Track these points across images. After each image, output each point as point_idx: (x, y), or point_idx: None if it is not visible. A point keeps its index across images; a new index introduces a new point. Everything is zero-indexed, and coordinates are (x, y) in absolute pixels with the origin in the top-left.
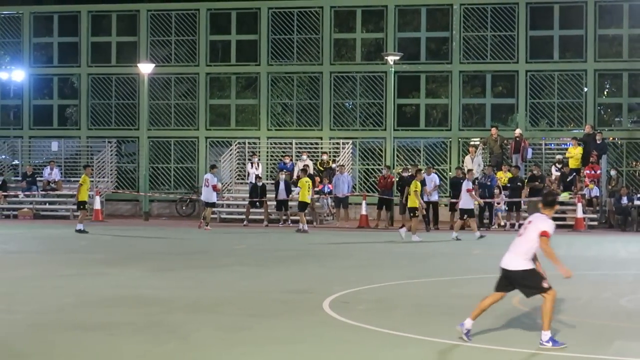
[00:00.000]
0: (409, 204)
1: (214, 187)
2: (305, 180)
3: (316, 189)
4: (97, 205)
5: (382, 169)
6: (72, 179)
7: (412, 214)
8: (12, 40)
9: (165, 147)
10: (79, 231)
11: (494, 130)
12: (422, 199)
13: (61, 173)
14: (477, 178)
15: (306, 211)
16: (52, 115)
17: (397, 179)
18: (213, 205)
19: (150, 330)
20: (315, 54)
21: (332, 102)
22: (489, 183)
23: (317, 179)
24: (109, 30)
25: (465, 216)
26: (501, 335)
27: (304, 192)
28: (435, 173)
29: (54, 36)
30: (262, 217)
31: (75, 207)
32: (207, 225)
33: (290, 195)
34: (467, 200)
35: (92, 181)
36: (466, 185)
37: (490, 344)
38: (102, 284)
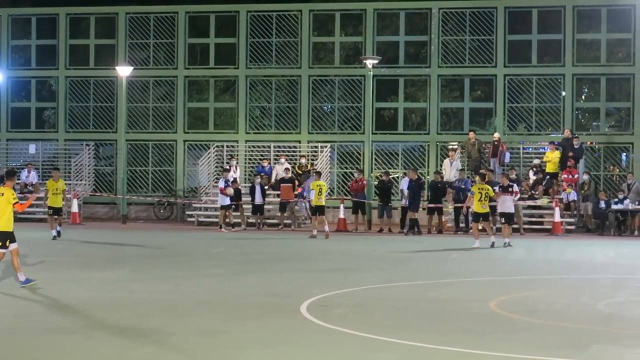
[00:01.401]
0: (477, 209)
1: (222, 191)
2: (317, 183)
3: (295, 192)
4: (75, 208)
5: (354, 172)
6: None
7: (481, 219)
8: None
9: (143, 150)
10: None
11: (471, 134)
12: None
13: (39, 176)
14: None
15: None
16: (30, 118)
17: (376, 183)
18: (227, 207)
19: (127, 334)
20: (294, 57)
21: (310, 106)
22: (463, 187)
23: (297, 182)
24: (87, 33)
25: (503, 219)
26: (477, 339)
27: (315, 195)
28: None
29: (32, 38)
30: (239, 220)
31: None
32: (220, 228)
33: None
34: (509, 204)
35: (70, 184)
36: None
37: (466, 348)
38: (78, 288)
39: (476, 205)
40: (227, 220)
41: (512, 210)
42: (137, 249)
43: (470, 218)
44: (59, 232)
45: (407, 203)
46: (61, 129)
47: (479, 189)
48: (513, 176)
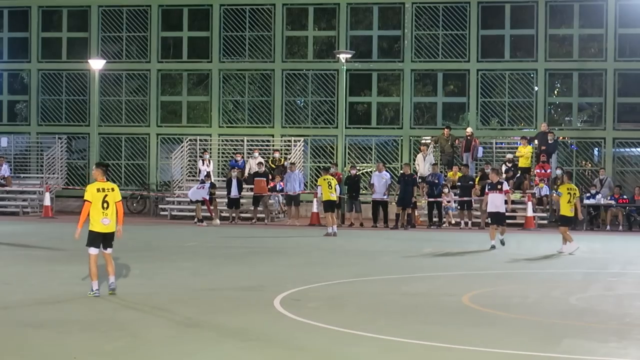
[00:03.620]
0: (564, 212)
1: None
2: (324, 178)
3: (269, 186)
4: (47, 201)
5: (330, 166)
6: (22, 175)
7: (564, 223)
8: None
9: (116, 144)
10: None
11: (446, 131)
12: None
13: (10, 169)
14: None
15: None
16: (2, 111)
17: (346, 177)
18: (201, 202)
19: (99, 328)
20: (267, 51)
21: (283, 100)
22: (436, 181)
23: (270, 176)
24: (59, 26)
25: (490, 220)
26: (450, 333)
27: (325, 190)
28: (387, 171)
29: (3, 31)
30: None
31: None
32: (201, 222)
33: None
34: (499, 203)
35: (42, 177)
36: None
37: (439, 342)
38: (51, 281)
39: (564, 208)
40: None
41: (503, 210)
42: None
43: (557, 221)
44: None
45: (397, 198)
46: (33, 122)
47: (567, 189)
48: (488, 171)
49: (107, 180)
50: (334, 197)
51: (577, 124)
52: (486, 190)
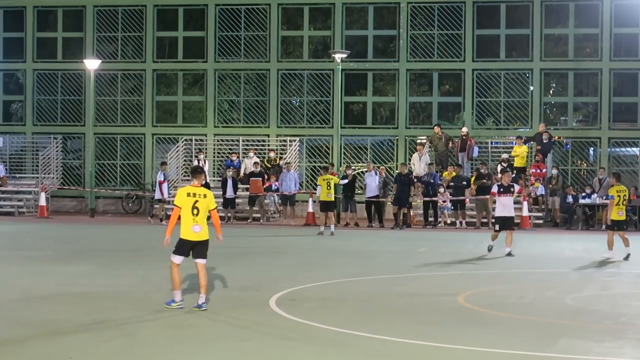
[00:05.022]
0: (614, 217)
1: (160, 184)
2: (324, 177)
3: (264, 186)
4: (43, 201)
5: (326, 166)
6: (17, 175)
7: (614, 227)
8: None
9: (111, 144)
10: None
11: (436, 128)
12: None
13: (6, 169)
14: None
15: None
16: None
17: (341, 177)
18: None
19: (96, 327)
20: (263, 51)
21: (279, 100)
22: (432, 181)
23: (266, 176)
24: (55, 26)
25: (498, 226)
26: (445, 333)
27: (323, 190)
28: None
29: None
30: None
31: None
32: (161, 221)
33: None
34: (511, 208)
35: (37, 177)
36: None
37: (434, 342)
38: (47, 281)
39: (614, 212)
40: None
41: (513, 214)
42: (105, 243)
43: (603, 226)
44: None
45: (394, 198)
46: (29, 122)
47: (617, 191)
48: (483, 171)
49: (202, 185)
50: (331, 197)
51: (572, 124)
52: (495, 192)
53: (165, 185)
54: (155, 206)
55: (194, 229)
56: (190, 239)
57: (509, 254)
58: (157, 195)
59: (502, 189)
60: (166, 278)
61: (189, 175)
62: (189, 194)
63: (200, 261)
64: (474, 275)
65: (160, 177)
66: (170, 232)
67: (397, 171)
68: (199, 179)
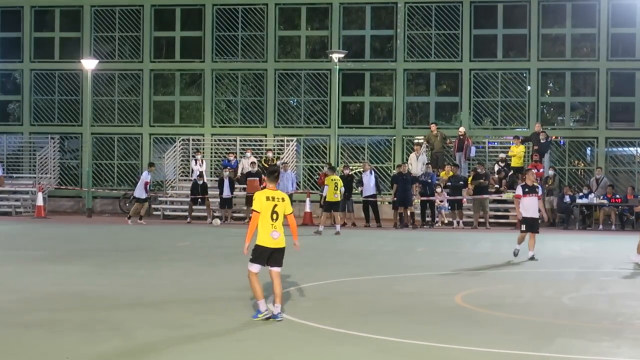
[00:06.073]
0: None
1: (146, 184)
2: (332, 178)
3: (261, 186)
4: (40, 201)
5: (323, 166)
6: (14, 175)
7: None
8: None
9: (108, 144)
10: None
11: (433, 126)
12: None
13: (3, 169)
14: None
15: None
16: None
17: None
18: (144, 200)
19: (92, 328)
20: (260, 51)
21: (276, 100)
22: (429, 181)
23: (263, 176)
24: (52, 26)
25: (524, 227)
26: (443, 333)
27: (330, 190)
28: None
29: None
30: (205, 214)
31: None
32: (128, 219)
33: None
34: (536, 209)
35: (34, 177)
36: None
37: (431, 341)
38: (44, 281)
39: None
40: (141, 213)
41: (538, 216)
42: (102, 243)
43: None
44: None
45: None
46: (26, 122)
47: None
48: (481, 170)
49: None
50: (337, 197)
51: (569, 124)
52: (520, 194)
53: (147, 187)
54: (133, 204)
55: (273, 235)
56: (269, 246)
57: (532, 258)
58: (140, 194)
59: (527, 190)
60: (163, 277)
61: (186, 176)
62: (268, 198)
63: (276, 269)
64: (471, 275)
65: (147, 177)
66: (249, 239)
67: (393, 171)
68: (274, 181)
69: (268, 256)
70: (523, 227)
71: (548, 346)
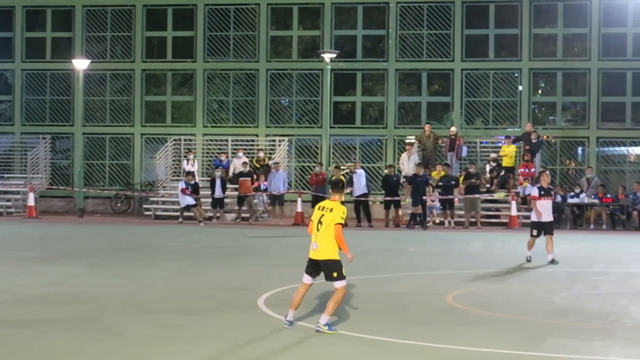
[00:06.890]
0: None
1: (183, 191)
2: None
3: (253, 186)
4: (31, 201)
5: (315, 166)
6: (5, 175)
7: None
8: None
9: (100, 144)
10: None
11: (427, 127)
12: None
13: None
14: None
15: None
16: None
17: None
18: (194, 205)
19: (84, 328)
20: (252, 51)
21: (268, 99)
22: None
23: (255, 176)
24: (43, 26)
25: (536, 232)
26: (434, 332)
27: None
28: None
29: None
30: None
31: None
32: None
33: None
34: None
35: (26, 177)
36: (530, 189)
37: (423, 341)
38: (35, 281)
39: None
40: (198, 217)
41: (552, 218)
42: (94, 243)
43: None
44: None
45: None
46: (17, 122)
47: None
48: (472, 170)
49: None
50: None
51: (561, 123)
52: (536, 195)
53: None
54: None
55: (312, 246)
56: (310, 257)
57: (552, 262)
58: (188, 202)
59: (542, 192)
60: (155, 277)
61: (177, 176)
62: (319, 208)
63: (336, 284)
64: (463, 274)
65: (180, 185)
66: (345, 248)
67: (385, 171)
68: (337, 193)
69: (315, 268)
70: (534, 232)
71: (539, 345)
